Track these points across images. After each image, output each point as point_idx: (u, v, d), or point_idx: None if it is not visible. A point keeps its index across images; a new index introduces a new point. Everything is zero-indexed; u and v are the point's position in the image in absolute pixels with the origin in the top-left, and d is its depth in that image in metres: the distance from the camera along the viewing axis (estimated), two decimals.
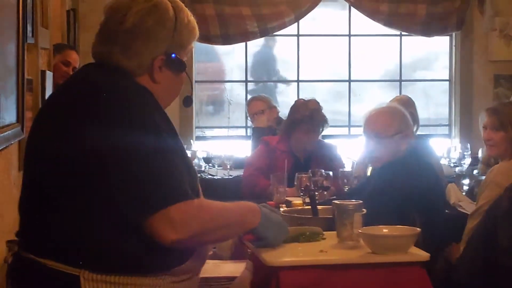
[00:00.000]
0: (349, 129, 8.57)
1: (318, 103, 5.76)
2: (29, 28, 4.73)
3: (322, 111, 5.73)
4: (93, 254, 2.28)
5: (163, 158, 2.27)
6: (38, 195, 2.38)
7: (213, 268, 3.36)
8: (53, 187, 2.32)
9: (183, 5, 2.55)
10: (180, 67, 2.51)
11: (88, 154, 2.25)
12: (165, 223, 2.21)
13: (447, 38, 8.74)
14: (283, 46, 8.72)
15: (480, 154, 6.22)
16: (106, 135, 2.25)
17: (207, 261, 2.72)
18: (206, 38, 7.97)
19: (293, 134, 5.64)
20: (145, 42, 2.44)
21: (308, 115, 5.62)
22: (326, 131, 5.85)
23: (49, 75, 5.36)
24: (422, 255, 2.96)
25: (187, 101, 2.77)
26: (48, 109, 2.53)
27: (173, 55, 2.47)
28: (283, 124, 6.10)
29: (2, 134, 3.93)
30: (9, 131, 4.11)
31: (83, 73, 2.60)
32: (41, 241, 2.35)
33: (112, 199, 2.25)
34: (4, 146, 3.97)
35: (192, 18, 2.55)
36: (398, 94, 8.29)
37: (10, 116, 4.20)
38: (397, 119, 4.42)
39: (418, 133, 6.35)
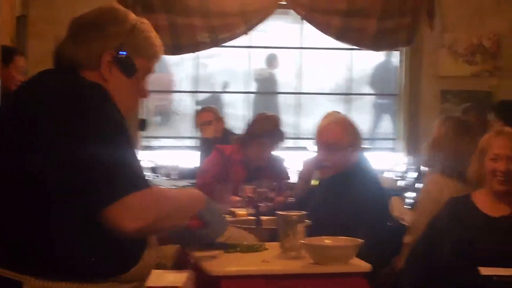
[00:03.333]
0: (296, 141, 8.56)
1: (279, 118, 5.78)
2: None
3: (282, 127, 5.76)
4: (38, 260, 2.26)
5: (118, 149, 2.27)
6: None
7: (156, 277, 3.33)
8: (2, 197, 2.30)
9: (149, 24, 2.57)
10: (130, 68, 2.49)
11: (48, 161, 2.23)
12: (125, 212, 2.19)
13: (397, 53, 8.82)
14: (233, 57, 8.70)
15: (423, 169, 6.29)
16: (61, 135, 2.23)
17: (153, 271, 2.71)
18: None
19: (250, 146, 5.64)
20: (95, 32, 2.45)
21: (269, 130, 5.63)
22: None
23: None
24: (364, 266, 2.98)
25: (143, 125, 2.75)
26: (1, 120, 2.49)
27: (124, 52, 2.46)
28: (240, 135, 6.08)
29: None
30: None
31: (33, 82, 2.57)
32: None
33: (64, 201, 2.23)
34: None
35: (154, 35, 2.57)
36: (347, 108, 8.36)
37: None
38: (350, 131, 4.44)
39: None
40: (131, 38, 2.48)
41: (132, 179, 2.27)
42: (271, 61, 9.16)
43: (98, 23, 2.47)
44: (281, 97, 8.84)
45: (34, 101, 2.37)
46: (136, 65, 2.50)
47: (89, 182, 2.21)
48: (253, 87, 8.67)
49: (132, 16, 2.53)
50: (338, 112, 6.23)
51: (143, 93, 2.59)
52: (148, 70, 2.57)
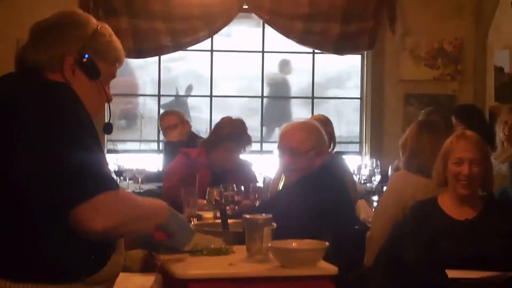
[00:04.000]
0: (261, 145, 8.58)
1: (244, 123, 5.79)
2: None
3: (247, 132, 5.76)
4: (8, 262, 2.27)
5: (87, 150, 2.29)
6: None
7: (123, 280, 3.33)
8: None
9: (110, 29, 2.60)
10: (92, 71, 2.50)
11: (18, 161, 2.24)
12: (92, 212, 2.22)
13: (359, 57, 8.84)
14: (196, 61, 8.70)
15: (390, 172, 6.31)
16: (39, 136, 2.25)
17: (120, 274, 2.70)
18: None
19: (215, 150, 5.64)
20: (56, 35, 2.48)
21: (235, 134, 5.64)
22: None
23: None
24: (331, 268, 2.99)
25: (107, 129, 2.74)
26: None
27: (86, 56, 2.48)
28: (206, 138, 6.08)
29: None
30: None
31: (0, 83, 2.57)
32: None
33: (33, 204, 2.24)
34: None
35: (115, 40, 2.60)
36: (311, 112, 8.37)
37: None
38: (312, 136, 4.44)
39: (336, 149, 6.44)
40: (93, 42, 2.50)
41: (100, 180, 2.29)
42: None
43: (59, 27, 2.50)
44: (244, 101, 8.82)
45: (6, 101, 2.37)
46: (99, 68, 2.52)
47: (57, 184, 2.23)
48: (217, 91, 8.65)
49: (93, 20, 2.56)
50: (322, 115, 6.31)
51: (107, 96, 2.60)
52: (111, 74, 2.60)
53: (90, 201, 2.21)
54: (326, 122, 6.10)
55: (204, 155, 5.67)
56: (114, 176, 6.99)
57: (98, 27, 2.54)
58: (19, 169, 2.24)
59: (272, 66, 8.74)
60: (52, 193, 2.23)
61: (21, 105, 2.32)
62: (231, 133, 5.62)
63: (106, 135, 8.09)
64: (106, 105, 2.62)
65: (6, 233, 2.27)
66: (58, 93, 2.37)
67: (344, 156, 7.05)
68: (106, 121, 2.72)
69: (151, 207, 2.63)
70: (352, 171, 6.55)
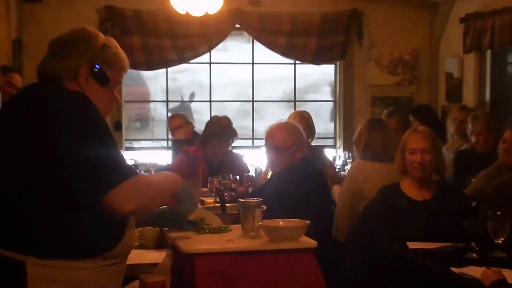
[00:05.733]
0: (252, 141, 8.58)
1: (229, 119, 5.76)
2: None
3: (233, 126, 5.74)
4: (37, 242, 2.25)
5: (109, 148, 2.30)
6: None
7: (139, 256, 3.35)
8: (8, 188, 2.28)
9: (116, 43, 2.58)
10: (103, 79, 2.49)
11: (44, 157, 2.24)
12: (121, 196, 2.24)
13: (332, 66, 8.83)
14: (198, 72, 8.68)
15: None
16: (60, 138, 2.24)
17: (134, 251, 2.71)
18: (133, 64, 7.86)
19: (208, 145, 5.61)
20: (71, 49, 2.46)
21: (221, 129, 5.60)
22: (235, 143, 5.84)
23: None
24: (311, 242, 3.00)
25: (117, 126, 2.74)
26: None
27: (96, 66, 2.46)
28: (200, 136, 6.07)
29: None
30: None
31: (23, 92, 2.61)
32: None
33: (61, 193, 2.23)
34: None
35: (121, 51, 2.58)
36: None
37: None
38: (293, 134, 4.45)
39: (314, 143, 6.44)
40: (102, 54, 2.48)
41: (122, 170, 2.31)
42: None
43: (73, 42, 2.48)
44: (238, 105, 8.82)
45: (30, 106, 2.37)
46: (108, 76, 2.50)
47: (88, 175, 2.23)
48: (216, 96, 8.66)
49: (101, 35, 2.53)
50: (304, 111, 6.34)
51: (116, 100, 2.59)
52: (118, 81, 2.58)
53: (116, 188, 2.24)
54: (308, 117, 6.18)
55: (201, 151, 5.66)
56: None
57: (106, 41, 2.52)
58: (51, 165, 2.23)
59: (260, 74, 8.73)
60: (84, 183, 2.24)
61: (50, 112, 2.31)
62: (218, 129, 5.61)
63: (123, 135, 8.15)
64: (115, 106, 2.61)
65: (40, 220, 2.25)
66: (84, 101, 2.37)
67: (324, 149, 7.05)
68: (116, 120, 2.73)
69: (167, 180, 2.68)
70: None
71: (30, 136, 2.29)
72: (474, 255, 3.64)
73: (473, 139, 5.96)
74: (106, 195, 2.23)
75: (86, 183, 2.24)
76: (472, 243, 3.69)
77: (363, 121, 5.21)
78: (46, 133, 2.27)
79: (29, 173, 2.25)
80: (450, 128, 6.92)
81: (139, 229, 3.55)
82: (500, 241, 3.60)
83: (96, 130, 2.31)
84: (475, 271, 3.28)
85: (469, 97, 7.95)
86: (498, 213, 3.60)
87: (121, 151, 2.50)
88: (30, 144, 2.27)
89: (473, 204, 4.45)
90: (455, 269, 3.39)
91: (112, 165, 2.28)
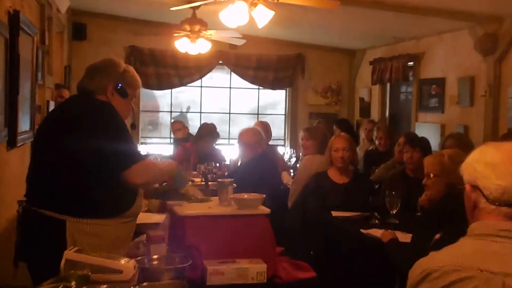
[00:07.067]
0: (229, 140, 8.51)
1: (214, 125, 5.71)
2: (39, 75, 4.56)
3: (217, 130, 5.67)
4: (75, 206, 2.19)
5: (126, 141, 2.26)
6: (40, 171, 2.28)
7: (146, 217, 3.26)
8: (53, 166, 2.22)
9: (133, 69, 2.53)
10: (124, 94, 2.44)
11: (81, 145, 2.17)
12: (134, 173, 2.22)
13: (284, 91, 8.81)
14: (192, 92, 8.63)
15: (301, 156, 6.32)
16: (94, 132, 2.19)
17: (143, 214, 2.66)
18: (148, 86, 7.87)
19: (199, 142, 5.54)
20: (102, 72, 2.42)
21: (208, 132, 5.54)
22: (218, 141, 5.79)
23: (51, 103, 5.18)
24: (266, 210, 2.96)
25: (133, 126, 2.70)
26: (48, 120, 2.47)
27: (119, 85, 2.42)
28: (193, 136, 5.99)
29: (21, 136, 3.76)
30: (25, 135, 3.92)
31: (68, 100, 2.63)
32: (41, 198, 2.24)
33: (94, 169, 2.17)
34: (22, 143, 3.78)
35: (136, 75, 2.53)
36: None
37: (26, 126, 4.00)
38: (256, 135, 4.46)
39: (271, 142, 6.41)
40: (123, 76, 2.44)
41: (136, 155, 2.30)
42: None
43: (103, 67, 2.44)
44: (219, 115, 8.76)
45: (72, 110, 2.33)
46: (128, 92, 2.45)
47: (112, 158, 2.19)
48: (204, 109, 8.59)
49: (123, 63, 2.51)
50: (265, 121, 6.29)
51: (132, 109, 2.54)
52: (134, 95, 2.53)
53: (132, 167, 2.22)
54: (267, 124, 6.15)
55: (193, 146, 5.59)
56: None
57: (126, 68, 2.48)
58: (87, 150, 2.16)
59: (236, 95, 8.68)
60: (108, 164, 2.18)
61: (86, 113, 2.26)
62: (207, 131, 5.54)
63: (140, 134, 8.05)
64: (132, 113, 2.56)
65: (78, 188, 2.19)
66: (110, 108, 2.31)
67: (277, 147, 7.03)
68: (131, 122, 2.69)
69: (166, 165, 2.68)
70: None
71: (72, 129, 2.22)
72: (376, 221, 3.64)
73: (376, 142, 5.98)
74: (123, 172, 2.21)
75: (109, 164, 2.19)
76: (375, 213, 3.69)
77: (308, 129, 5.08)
78: (83, 127, 2.21)
79: (69, 157, 2.19)
80: (362, 134, 6.95)
81: (148, 200, 3.47)
82: (394, 212, 3.60)
83: (117, 128, 2.26)
84: (377, 232, 3.28)
85: (375, 114, 7.98)
86: (393, 192, 3.60)
87: (136, 144, 2.43)
88: (71, 135, 2.21)
89: (376, 186, 4.45)
90: (363, 231, 3.39)
91: (128, 152, 2.25)
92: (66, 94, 5.77)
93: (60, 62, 6.48)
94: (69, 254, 1.88)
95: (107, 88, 2.39)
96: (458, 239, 1.41)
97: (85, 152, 2.17)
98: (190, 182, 4.48)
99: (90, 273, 1.79)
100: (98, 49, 7.34)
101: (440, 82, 6.38)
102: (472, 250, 1.33)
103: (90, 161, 2.17)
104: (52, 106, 5.19)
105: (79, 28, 7.51)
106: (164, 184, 3.12)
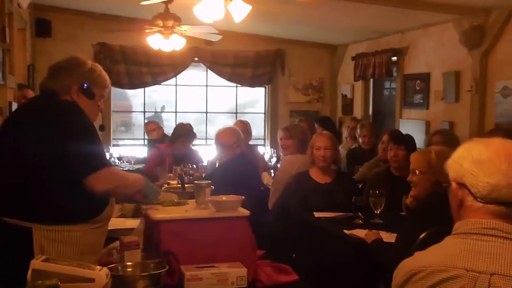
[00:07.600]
0: (206, 141, 8.49)
1: (191, 125, 5.69)
2: (0, 75, 4.52)
3: (193, 130, 5.65)
4: (41, 212, 2.16)
5: (93, 144, 2.22)
6: (1, 176, 2.23)
7: (120, 223, 3.25)
8: (15, 172, 2.18)
9: (100, 67, 2.49)
10: (90, 94, 2.40)
11: (43, 149, 2.14)
12: (97, 180, 2.17)
13: (263, 88, 8.81)
14: (167, 91, 8.58)
15: (281, 156, 6.35)
16: (57, 134, 2.16)
17: (116, 219, 2.63)
18: (119, 85, 7.80)
19: (175, 144, 5.52)
20: (65, 73, 2.37)
21: (185, 132, 5.52)
22: (194, 142, 5.77)
23: (14, 105, 5.13)
24: (245, 212, 2.94)
25: (101, 128, 2.65)
26: (10, 122, 2.42)
27: (85, 84, 2.37)
28: (169, 137, 5.97)
29: None
30: None
31: (31, 101, 2.60)
32: (3, 205, 2.20)
33: (60, 174, 2.14)
34: None
35: (104, 73, 2.49)
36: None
37: None
38: (234, 135, 4.45)
39: (251, 142, 6.41)
40: (89, 75, 2.39)
41: (101, 160, 2.24)
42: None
43: (67, 66, 2.39)
44: (196, 115, 8.73)
45: (35, 111, 2.30)
46: (94, 92, 2.41)
47: (76, 163, 2.16)
48: (180, 109, 8.55)
49: (89, 61, 2.45)
50: (245, 120, 6.29)
51: (100, 110, 2.50)
52: (102, 95, 2.48)
53: (95, 173, 2.17)
54: (247, 124, 6.15)
55: (169, 147, 5.57)
56: (117, 160, 6.86)
57: (92, 66, 2.43)
58: (50, 155, 2.13)
59: (212, 93, 8.66)
60: (72, 169, 2.15)
61: (49, 114, 2.22)
62: (183, 132, 5.52)
63: (111, 136, 7.98)
64: (99, 114, 2.52)
65: (43, 195, 2.16)
66: (75, 109, 2.28)
67: (257, 147, 7.04)
68: (101, 123, 2.65)
69: (133, 178, 2.54)
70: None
71: (37, 131, 2.19)
72: (360, 221, 3.66)
73: (360, 140, 6.01)
74: (86, 178, 2.16)
75: (75, 168, 2.16)
76: (359, 213, 3.71)
77: (280, 130, 5.09)
78: (45, 130, 2.17)
79: (32, 161, 2.16)
80: (345, 132, 7.00)
81: (121, 204, 3.44)
82: (378, 212, 3.62)
83: (83, 131, 2.22)
84: (361, 233, 3.30)
85: (358, 111, 8.04)
86: (377, 192, 3.63)
87: (105, 148, 2.39)
88: (33, 138, 2.17)
89: (360, 185, 4.48)
90: (346, 231, 3.40)
91: (94, 156, 2.21)
92: (30, 94, 5.67)
93: (23, 61, 6.39)
94: (36, 263, 1.85)
95: (71, 88, 2.34)
96: (443, 238, 1.42)
97: (48, 156, 2.14)
98: (165, 185, 4.47)
99: (59, 283, 1.77)
100: (64, 47, 7.24)
101: (425, 77, 6.45)
102: (457, 249, 1.35)
103: (53, 166, 2.14)
104: (14, 107, 5.12)
105: (43, 24, 7.38)
106: (136, 200, 3.08)
